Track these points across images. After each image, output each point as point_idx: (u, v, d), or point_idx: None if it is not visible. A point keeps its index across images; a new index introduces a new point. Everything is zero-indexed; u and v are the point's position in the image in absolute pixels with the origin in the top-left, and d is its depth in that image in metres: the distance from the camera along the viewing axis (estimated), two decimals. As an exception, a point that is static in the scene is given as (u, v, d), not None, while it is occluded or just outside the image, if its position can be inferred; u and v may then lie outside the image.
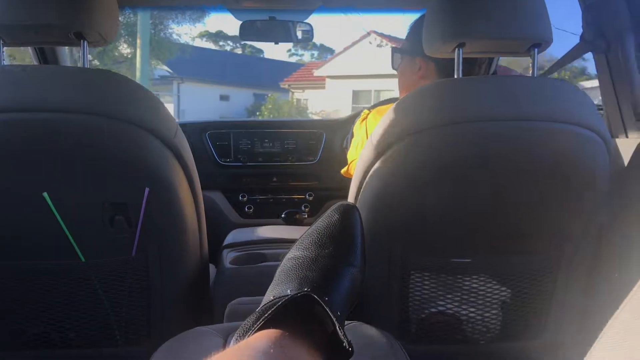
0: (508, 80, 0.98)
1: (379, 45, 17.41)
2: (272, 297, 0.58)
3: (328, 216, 0.73)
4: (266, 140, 2.18)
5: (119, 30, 1.12)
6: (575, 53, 1.35)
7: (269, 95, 18.27)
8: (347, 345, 0.53)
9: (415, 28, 1.36)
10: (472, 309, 1.11)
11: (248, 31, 1.96)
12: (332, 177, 2.15)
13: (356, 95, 18.40)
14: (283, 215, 2.12)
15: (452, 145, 0.96)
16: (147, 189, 1.00)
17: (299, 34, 2.00)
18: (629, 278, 1.19)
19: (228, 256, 1.53)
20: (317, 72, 19.66)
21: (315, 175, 2.19)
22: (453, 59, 1.05)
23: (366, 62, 17.61)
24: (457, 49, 1.03)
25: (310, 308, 0.57)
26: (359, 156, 1.09)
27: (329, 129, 2.20)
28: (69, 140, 0.94)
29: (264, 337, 0.51)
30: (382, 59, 17.92)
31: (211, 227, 1.46)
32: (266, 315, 0.53)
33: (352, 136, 1.43)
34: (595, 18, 1.28)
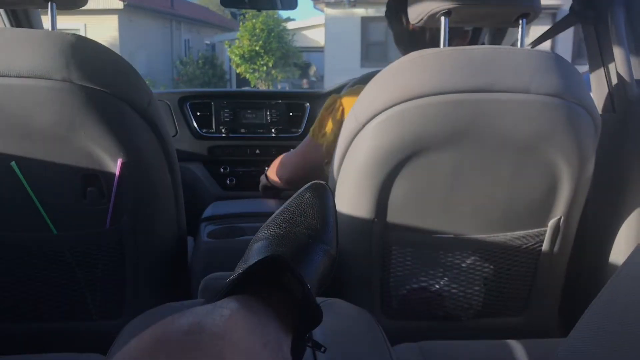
0: (493, 51, 0.95)
1: None
2: (240, 271, 0.56)
3: (299, 195, 0.73)
4: (249, 111, 2.14)
5: None
6: (563, 24, 1.33)
7: None
8: (315, 307, 0.52)
9: None
10: (453, 285, 1.10)
11: (230, -3, 1.91)
12: None
13: None
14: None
15: (432, 118, 0.94)
16: (120, 160, 0.97)
17: (283, 1, 1.95)
18: (612, 255, 1.19)
19: (206, 229, 1.50)
20: None
21: None
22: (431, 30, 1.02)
23: None
24: (442, 17, 1.00)
25: (279, 279, 0.56)
26: (341, 130, 1.07)
27: (313, 101, 2.16)
28: (37, 108, 0.90)
29: (232, 300, 0.49)
30: None
31: (192, 199, 1.44)
32: (235, 280, 0.52)
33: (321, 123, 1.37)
34: None
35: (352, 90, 1.31)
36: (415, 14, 1.03)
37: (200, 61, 16.56)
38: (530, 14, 1.02)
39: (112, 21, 15.27)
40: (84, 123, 0.93)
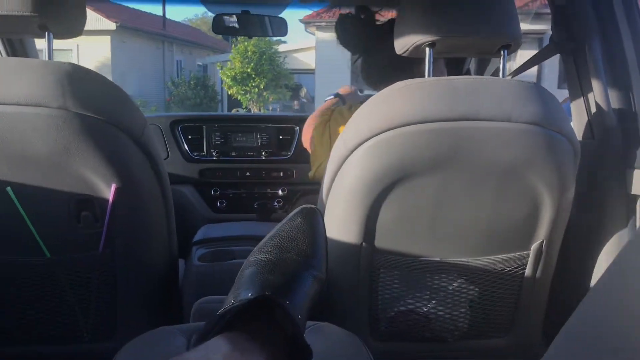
0: (475, 81, 0.99)
1: None
2: (232, 301, 0.58)
3: (290, 220, 0.73)
4: (239, 135, 2.16)
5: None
6: (543, 55, 1.37)
7: None
8: (306, 348, 0.54)
9: None
10: (440, 308, 1.12)
11: (221, 24, 1.94)
12: (305, 172, 2.14)
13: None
14: (255, 206, 2.11)
15: (417, 145, 0.96)
16: (114, 185, 0.99)
17: (274, 28, 1.99)
18: (594, 277, 1.22)
19: (197, 253, 1.52)
20: None
21: (288, 170, 2.19)
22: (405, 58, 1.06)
23: None
24: (427, 48, 1.04)
25: (270, 311, 0.57)
26: (330, 156, 1.09)
27: (302, 124, 2.19)
28: (34, 135, 0.92)
29: (223, 340, 0.51)
30: None
31: (183, 222, 1.45)
32: (226, 318, 0.53)
33: (313, 138, 1.41)
34: (564, 20, 1.29)
35: (340, 110, 1.35)
36: (401, 45, 1.07)
37: (192, 82, 16.59)
38: (512, 45, 1.06)
39: (105, 42, 15.38)
40: (79, 150, 0.95)
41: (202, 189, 2.16)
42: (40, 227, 1.00)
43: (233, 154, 2.15)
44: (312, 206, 0.76)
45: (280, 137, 2.17)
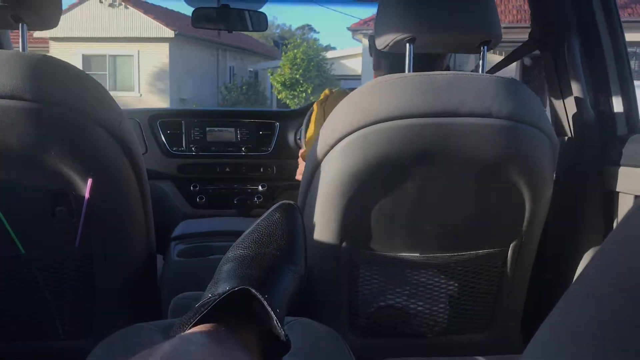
0: (456, 77, 0.99)
1: (112, 5, 16.21)
2: (209, 296, 0.57)
3: (269, 215, 0.73)
4: (219, 130, 2.15)
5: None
6: (523, 50, 1.38)
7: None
8: (284, 339, 0.53)
9: None
10: (420, 303, 1.12)
11: (201, 18, 1.92)
12: (285, 168, 2.14)
13: (87, 60, 16.39)
14: (235, 202, 2.10)
15: (397, 141, 0.96)
16: (90, 179, 0.97)
17: (254, 22, 1.98)
18: (571, 274, 1.23)
19: (175, 248, 1.50)
20: (37, 33, 16.20)
21: (268, 166, 2.18)
22: (400, 55, 1.06)
23: (97, 24, 16.26)
24: (407, 43, 1.04)
25: (248, 304, 0.57)
26: (310, 152, 1.09)
27: (283, 120, 2.18)
28: (6, 128, 0.90)
29: (200, 332, 0.50)
30: (116, 20, 16.39)
31: (162, 218, 1.43)
32: (203, 310, 0.52)
33: (307, 126, 1.43)
34: (543, 16, 1.30)
35: (334, 94, 1.35)
36: (382, 41, 1.07)
37: (243, 87, 17.68)
38: (492, 41, 1.06)
39: (164, 48, 16.52)
40: (54, 143, 0.93)
41: (181, 184, 2.14)
42: (14, 223, 0.98)
43: (212, 149, 2.13)
44: (291, 202, 0.76)
45: (261, 132, 2.16)
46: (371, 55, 1.44)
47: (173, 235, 1.63)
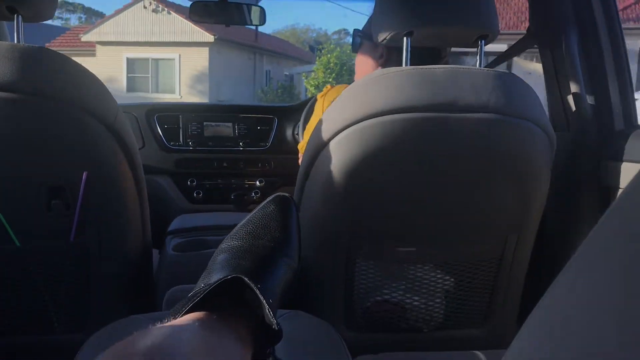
0: (453, 71, 0.98)
1: (155, 11, 17.06)
2: (202, 285, 0.57)
3: (263, 207, 0.73)
4: (216, 125, 2.14)
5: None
6: (521, 46, 1.38)
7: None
8: (276, 327, 0.53)
9: None
10: (416, 298, 1.12)
11: (199, 11, 1.92)
12: (283, 163, 2.14)
13: (131, 63, 17.77)
14: (232, 197, 2.10)
15: (394, 135, 0.96)
16: (85, 173, 0.97)
17: (252, 16, 1.97)
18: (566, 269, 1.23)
19: (171, 242, 1.50)
20: (85, 37, 18.22)
21: (266, 161, 2.17)
22: (417, 51, 1.05)
23: (141, 28, 17.29)
24: (405, 37, 1.03)
25: (241, 294, 0.57)
26: (306, 146, 1.09)
27: (280, 115, 2.18)
28: (2, 120, 0.90)
29: (191, 319, 0.50)
30: (159, 25, 17.33)
31: (159, 212, 1.43)
32: (195, 298, 0.52)
33: (305, 122, 1.43)
34: (541, 11, 1.30)
35: (334, 87, 1.35)
36: (380, 34, 1.07)
37: (279, 90, 18.29)
38: (489, 35, 1.06)
39: (203, 53, 17.43)
40: (49, 136, 0.93)
41: (179, 179, 2.14)
42: (9, 215, 0.98)
43: (210, 144, 2.13)
44: (286, 194, 0.76)
45: (259, 127, 2.15)
46: (355, 51, 1.43)
47: (169, 230, 1.63)
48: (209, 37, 17.02)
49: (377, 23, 1.06)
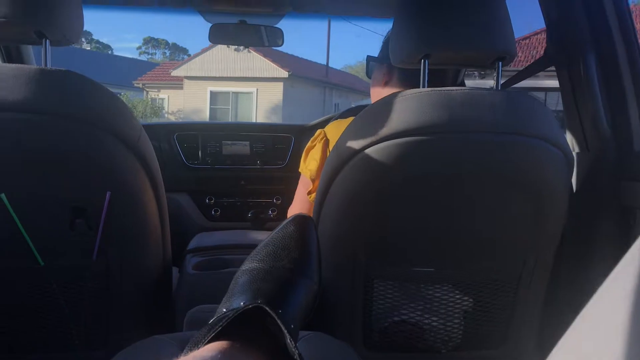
0: (472, 92, 0.99)
1: (237, 50, 18.14)
2: (224, 310, 0.57)
3: (283, 228, 0.73)
4: (234, 143, 2.16)
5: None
6: (537, 66, 1.38)
7: (122, 93, 18.30)
8: (297, 358, 0.53)
9: (388, 37, 1.36)
10: (434, 318, 1.12)
11: (218, 34, 1.95)
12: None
13: (214, 96, 20.12)
14: (249, 215, 2.11)
15: (415, 156, 0.97)
16: (108, 193, 0.99)
17: (270, 38, 2.00)
18: (587, 290, 1.22)
19: (191, 261, 1.51)
20: (174, 72, 20.89)
21: (283, 179, 2.18)
22: (416, 69, 1.06)
23: (224, 65, 19.32)
24: (422, 60, 1.04)
25: (262, 320, 0.57)
26: (324, 166, 1.09)
27: (297, 133, 2.20)
28: (28, 141, 0.92)
29: (214, 349, 0.51)
30: (240, 62, 19.15)
31: (177, 230, 1.45)
32: (217, 327, 0.53)
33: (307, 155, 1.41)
34: (559, 33, 1.30)
35: (335, 123, 1.35)
36: (397, 57, 1.08)
37: None
38: (506, 57, 1.06)
39: (278, 87, 19.55)
40: (74, 157, 0.95)
41: (197, 197, 2.16)
42: (33, 234, 1.00)
43: (228, 162, 2.15)
44: (305, 214, 0.76)
45: (276, 146, 2.17)
46: (369, 76, 1.43)
47: (188, 248, 1.64)
48: (284, 73, 19.13)
49: (395, 46, 1.07)
